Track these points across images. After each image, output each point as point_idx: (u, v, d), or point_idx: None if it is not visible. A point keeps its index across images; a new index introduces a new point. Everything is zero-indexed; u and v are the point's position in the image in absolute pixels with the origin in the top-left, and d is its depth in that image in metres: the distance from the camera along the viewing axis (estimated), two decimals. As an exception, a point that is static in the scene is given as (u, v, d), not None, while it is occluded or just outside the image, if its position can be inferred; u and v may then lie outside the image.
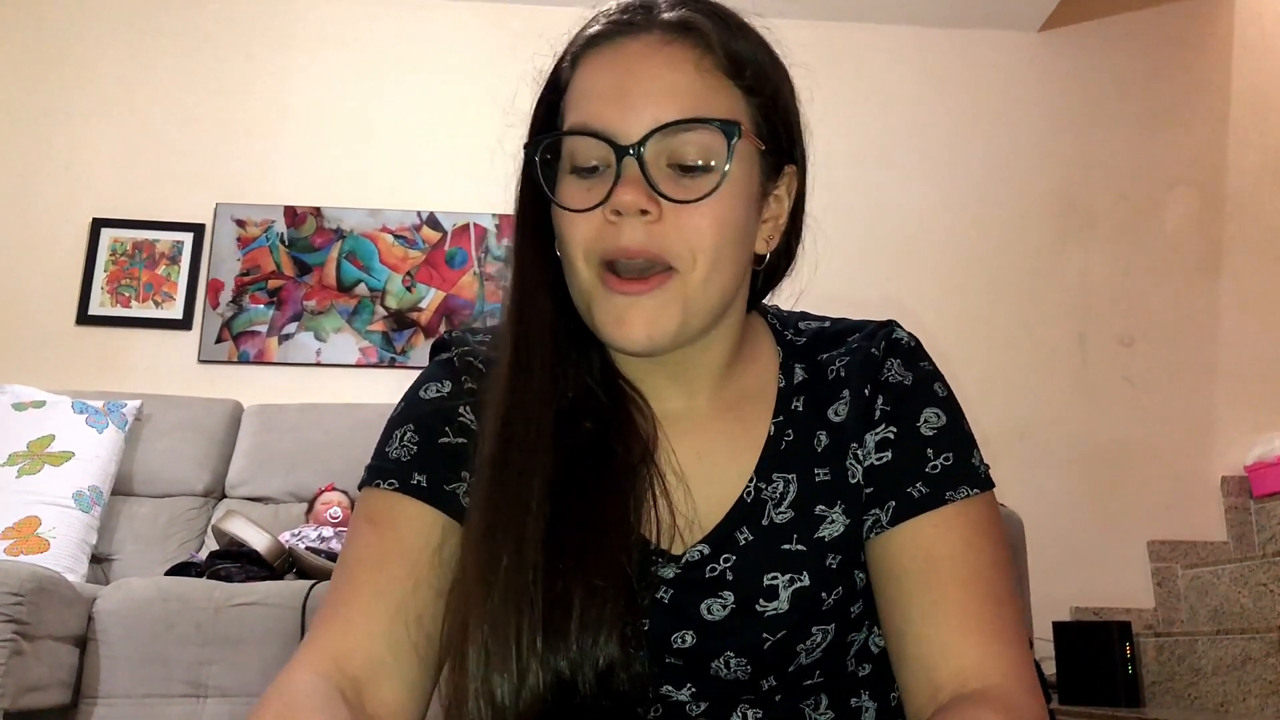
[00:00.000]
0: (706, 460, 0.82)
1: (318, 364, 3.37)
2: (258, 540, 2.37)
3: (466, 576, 0.74)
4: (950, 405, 0.82)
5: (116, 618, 2.11)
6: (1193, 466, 3.45)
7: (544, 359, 0.78)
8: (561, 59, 0.80)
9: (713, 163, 0.73)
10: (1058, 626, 2.80)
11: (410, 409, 0.84)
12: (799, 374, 0.85)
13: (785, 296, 0.93)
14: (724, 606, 0.79)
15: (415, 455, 0.81)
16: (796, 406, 0.84)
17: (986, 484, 0.79)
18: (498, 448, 0.76)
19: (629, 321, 0.73)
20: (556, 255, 0.79)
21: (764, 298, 0.88)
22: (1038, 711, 0.71)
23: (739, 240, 0.76)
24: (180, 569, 2.39)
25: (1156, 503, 3.40)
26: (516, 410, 0.77)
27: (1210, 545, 3.35)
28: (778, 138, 0.79)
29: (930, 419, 0.80)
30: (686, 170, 0.73)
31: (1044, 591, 2.85)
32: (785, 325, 0.89)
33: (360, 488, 0.83)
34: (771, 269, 0.86)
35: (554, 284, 0.79)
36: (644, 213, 0.72)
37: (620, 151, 0.72)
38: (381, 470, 0.81)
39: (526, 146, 0.78)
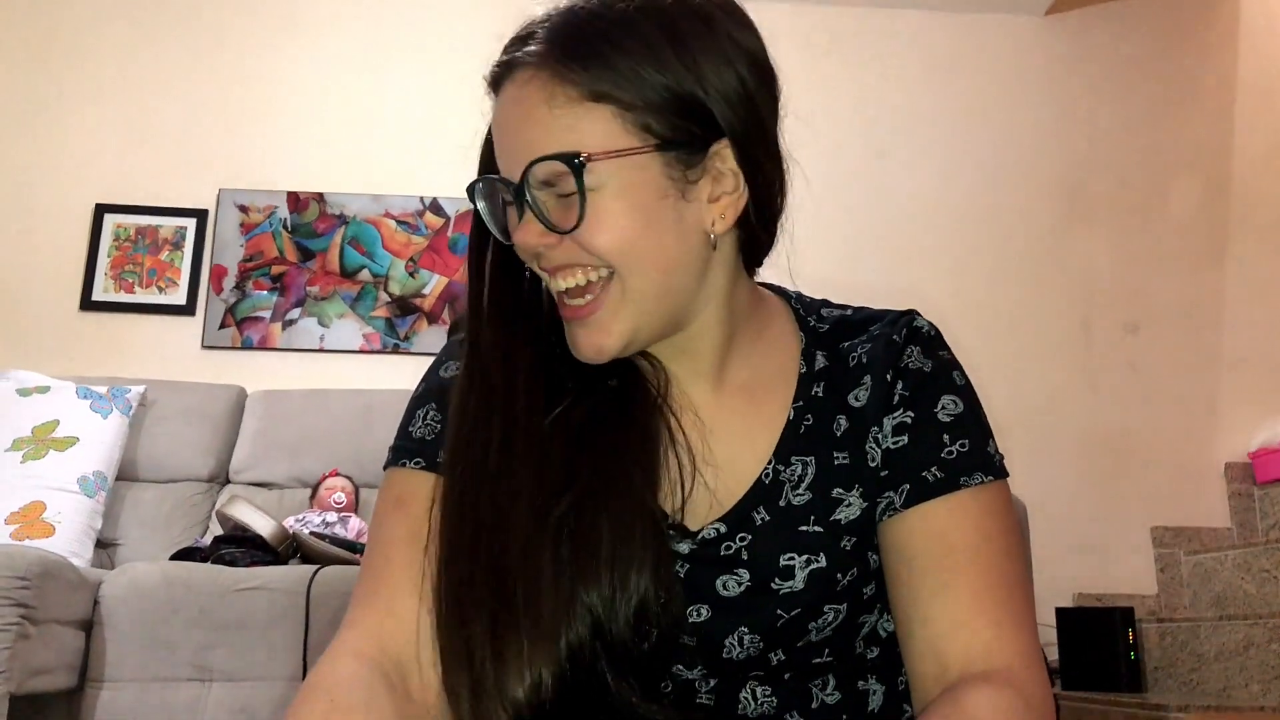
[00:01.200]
0: (721, 439, 0.83)
1: (321, 350, 3.37)
2: (262, 525, 2.37)
3: (482, 524, 0.75)
4: (968, 394, 0.83)
5: (121, 602, 2.12)
6: (1196, 453, 3.45)
7: (527, 361, 0.80)
8: None
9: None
10: (1060, 612, 2.81)
11: (431, 388, 0.87)
12: (820, 360, 0.86)
13: (779, 281, 0.92)
14: (739, 584, 0.80)
15: (440, 433, 0.82)
16: (817, 392, 0.84)
17: (1001, 473, 0.80)
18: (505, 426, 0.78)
19: (579, 343, 0.77)
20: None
21: (759, 264, 0.86)
22: (1044, 695, 0.72)
23: (658, 239, 0.74)
24: (185, 554, 2.40)
25: (1160, 489, 3.40)
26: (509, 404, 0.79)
27: (1213, 531, 3.35)
28: (681, 125, 0.74)
29: (948, 405, 0.81)
30: (567, 196, 0.73)
31: (1047, 577, 2.85)
32: (809, 312, 0.90)
33: (385, 468, 0.84)
34: (754, 238, 0.82)
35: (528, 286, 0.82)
36: (547, 243, 0.75)
37: (512, 193, 0.75)
38: (407, 450, 0.83)
39: (469, 189, 0.81)
